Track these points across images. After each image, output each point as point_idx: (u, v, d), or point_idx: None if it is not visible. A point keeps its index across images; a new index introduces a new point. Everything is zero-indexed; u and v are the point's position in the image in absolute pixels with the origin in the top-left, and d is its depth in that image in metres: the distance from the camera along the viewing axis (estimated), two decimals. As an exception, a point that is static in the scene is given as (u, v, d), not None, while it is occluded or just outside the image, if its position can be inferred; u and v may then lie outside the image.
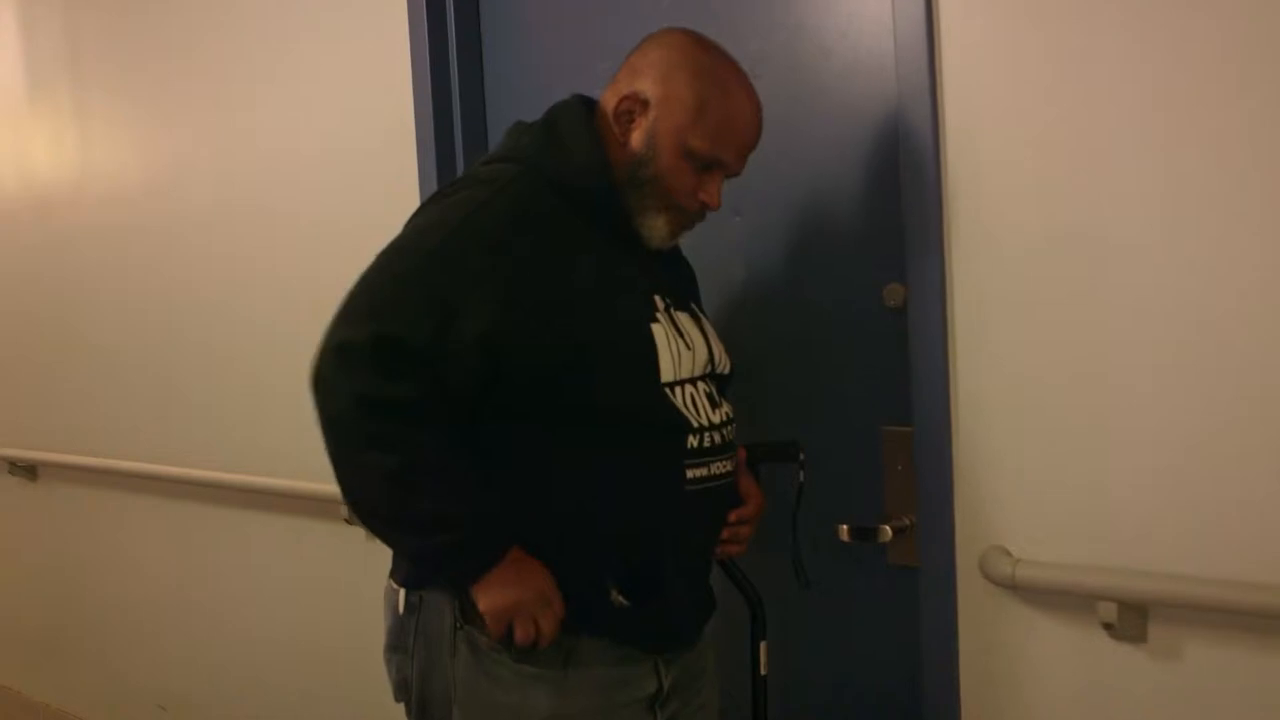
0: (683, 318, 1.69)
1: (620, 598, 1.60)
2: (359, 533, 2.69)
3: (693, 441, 1.62)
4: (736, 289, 2.12)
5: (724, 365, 1.74)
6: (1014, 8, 1.73)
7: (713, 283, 2.00)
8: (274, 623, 3.08)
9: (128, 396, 3.44)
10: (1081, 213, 1.68)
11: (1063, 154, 1.69)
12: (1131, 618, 1.66)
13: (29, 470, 3.87)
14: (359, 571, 2.69)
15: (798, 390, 2.07)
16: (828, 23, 1.98)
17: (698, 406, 1.64)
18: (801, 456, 1.84)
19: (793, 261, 2.06)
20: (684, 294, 1.76)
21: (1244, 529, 1.58)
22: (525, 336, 1.53)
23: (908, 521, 1.91)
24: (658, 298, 1.66)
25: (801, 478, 1.84)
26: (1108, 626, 1.67)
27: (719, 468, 1.67)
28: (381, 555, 1.71)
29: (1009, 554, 1.77)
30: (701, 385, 1.67)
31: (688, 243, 1.80)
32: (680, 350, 1.63)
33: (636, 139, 1.62)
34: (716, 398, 1.70)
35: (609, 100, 1.66)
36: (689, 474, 1.62)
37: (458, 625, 1.60)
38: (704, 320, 1.76)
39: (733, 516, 1.74)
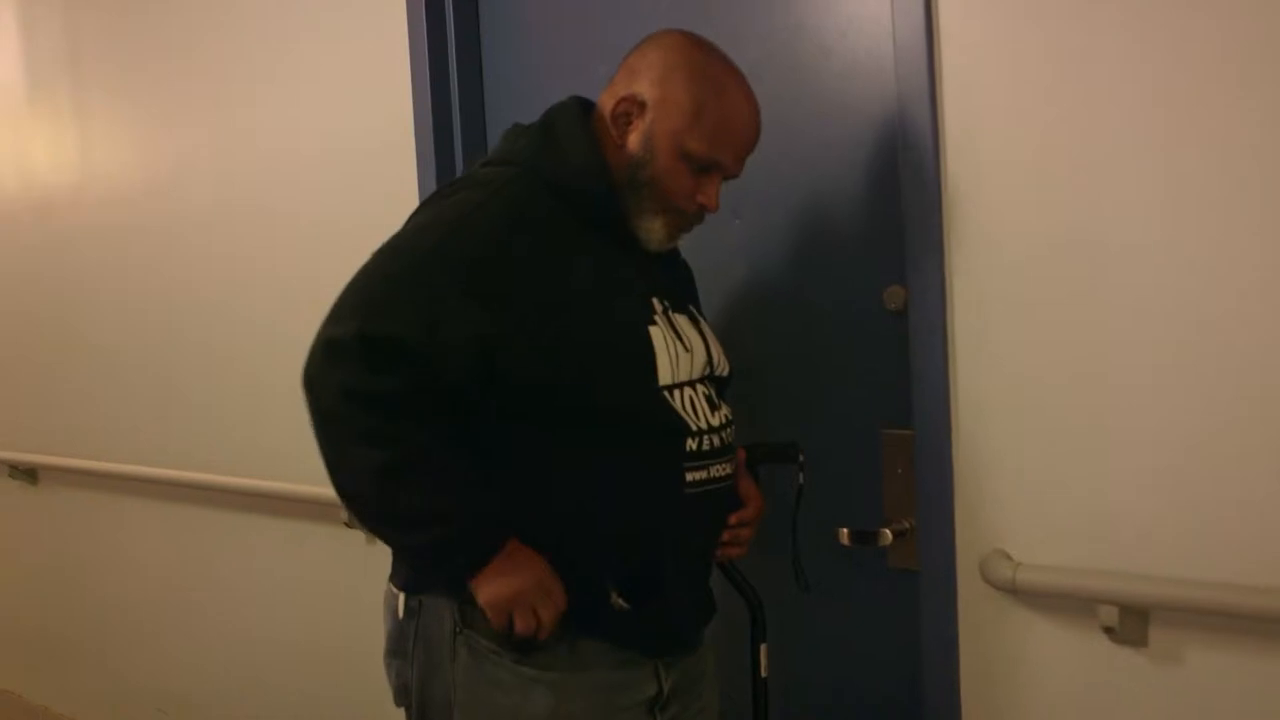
0: (681, 320, 1.68)
1: (620, 601, 1.60)
2: (359, 536, 2.69)
3: (691, 444, 1.61)
4: (737, 291, 2.11)
5: (723, 367, 1.74)
6: (1014, 8, 1.72)
7: (713, 285, 2.00)
8: (274, 626, 3.08)
9: (128, 399, 3.44)
10: (1082, 213, 1.67)
11: (1063, 154, 1.68)
12: (1133, 621, 1.66)
13: (29, 473, 3.87)
14: (359, 575, 2.69)
15: (798, 393, 2.06)
16: (827, 23, 1.97)
17: (696, 409, 1.63)
18: (801, 458, 1.83)
19: (793, 264, 2.05)
20: (682, 296, 1.76)
21: (1246, 531, 1.57)
22: (520, 339, 1.52)
23: (908, 525, 1.91)
24: (655, 300, 1.65)
25: (801, 479, 1.83)
26: (1109, 630, 1.66)
27: (718, 470, 1.66)
28: (381, 559, 1.71)
29: (1009, 557, 1.77)
30: (700, 388, 1.66)
31: (687, 245, 1.79)
32: (678, 353, 1.63)
33: (634, 141, 1.62)
34: (716, 400, 1.69)
35: (606, 102, 1.65)
36: (688, 477, 1.62)
37: (457, 630, 1.60)
38: (703, 322, 1.75)
39: (733, 519, 1.74)
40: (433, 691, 1.63)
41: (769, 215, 2.06)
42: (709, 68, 1.63)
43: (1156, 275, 1.61)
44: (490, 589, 1.53)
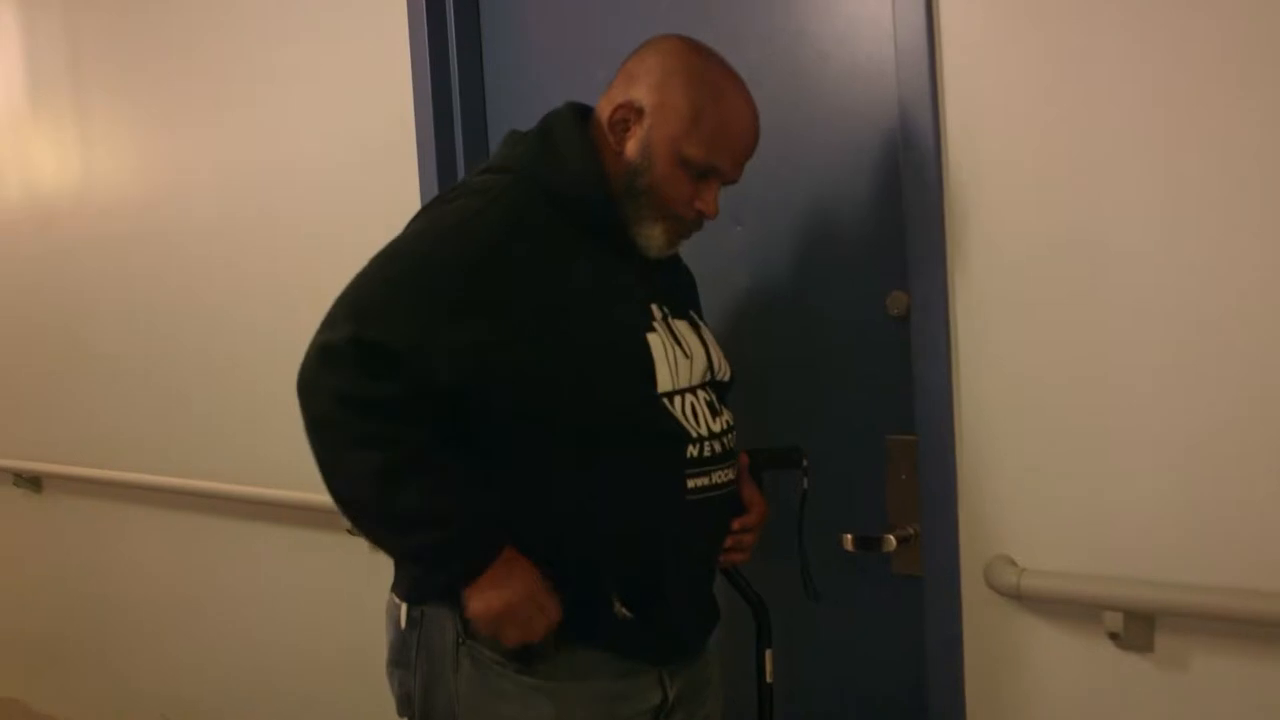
0: (681, 326, 1.67)
1: (623, 609, 1.59)
2: (362, 544, 2.66)
3: (692, 451, 1.61)
4: (739, 298, 2.10)
5: (724, 373, 1.73)
6: (1014, 8, 1.72)
7: (715, 292, 1.99)
8: (278, 633, 3.08)
9: (131, 407, 3.43)
10: (1082, 214, 1.67)
11: (1063, 156, 1.68)
12: (1138, 627, 1.65)
13: (34, 481, 3.87)
14: (362, 582, 2.68)
15: (801, 399, 2.06)
16: (828, 28, 1.97)
17: (697, 415, 1.62)
18: (805, 462, 1.82)
19: (795, 270, 2.05)
20: (682, 302, 1.75)
21: (1251, 534, 1.56)
22: (520, 345, 1.52)
23: (912, 530, 1.90)
24: (655, 307, 1.65)
25: (805, 484, 1.82)
26: (1114, 636, 1.65)
27: (720, 476, 1.66)
28: (385, 566, 1.70)
29: (1014, 563, 1.76)
30: (701, 394, 1.65)
31: (689, 251, 1.79)
32: (678, 359, 1.62)
33: (632, 148, 1.61)
34: (717, 406, 1.68)
35: (604, 109, 1.65)
36: (689, 483, 1.61)
37: (460, 640, 1.59)
38: (703, 328, 1.74)
39: (736, 524, 1.73)
40: (435, 702, 1.62)
41: (770, 221, 2.06)
42: (707, 73, 1.62)
43: (1157, 275, 1.61)
44: (481, 601, 1.52)
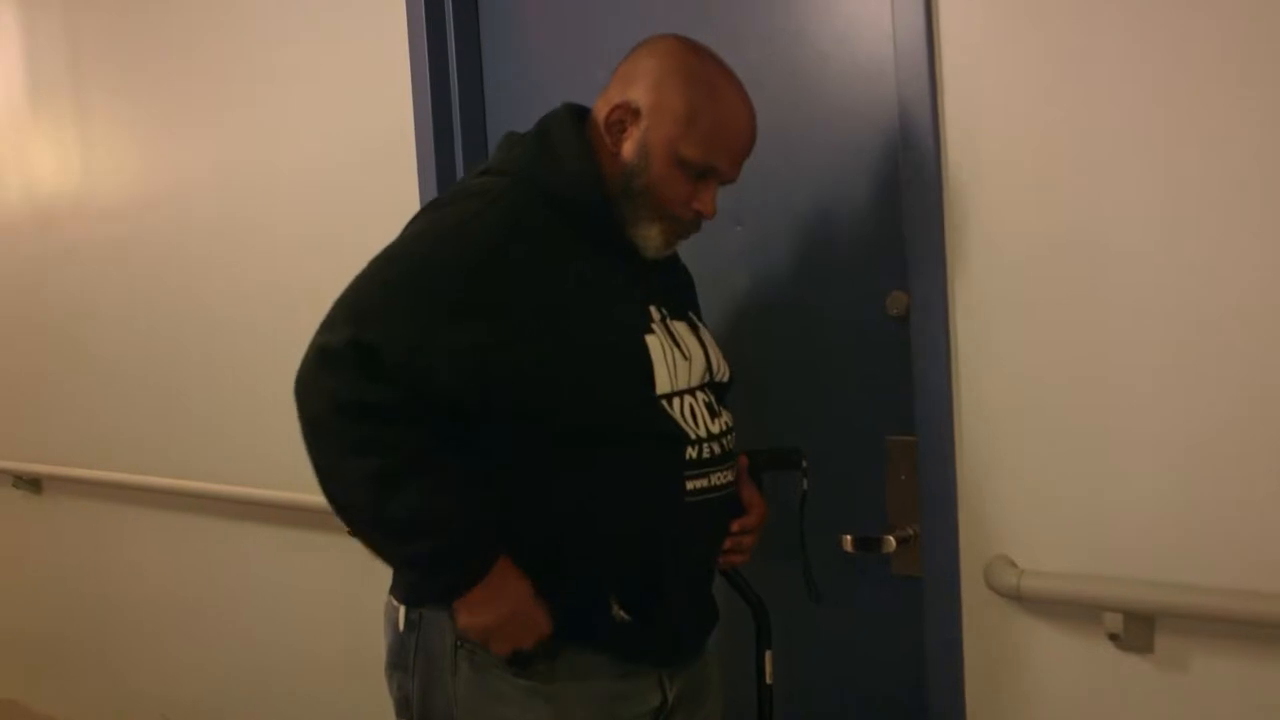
0: (679, 327, 1.67)
1: (622, 611, 1.59)
2: (361, 545, 2.68)
3: (691, 453, 1.60)
4: (738, 299, 2.10)
5: (723, 373, 1.73)
6: (1014, 8, 1.72)
7: (715, 292, 1.99)
8: (277, 633, 3.07)
9: (131, 409, 3.43)
10: (1082, 214, 1.66)
11: (1063, 156, 1.68)
12: (1138, 628, 1.64)
13: (33, 483, 3.87)
14: (361, 584, 2.66)
15: (801, 400, 2.05)
16: (828, 28, 1.97)
17: (696, 417, 1.62)
18: (804, 463, 1.82)
19: (794, 270, 2.04)
20: (681, 302, 1.74)
21: (1251, 534, 1.56)
22: (520, 346, 1.51)
23: (912, 531, 1.90)
24: (653, 308, 1.64)
25: (805, 485, 1.82)
26: (1114, 637, 1.65)
27: (719, 478, 1.65)
28: (383, 567, 1.69)
29: (1014, 564, 1.75)
30: (700, 395, 1.65)
31: (689, 252, 1.79)
32: (676, 360, 1.61)
33: (628, 149, 1.61)
34: (716, 407, 1.68)
35: (600, 110, 1.64)
36: (688, 485, 1.61)
37: (458, 643, 1.58)
38: (702, 328, 1.74)
39: (735, 526, 1.73)
40: (434, 705, 1.62)
41: (770, 221, 2.05)
42: (703, 72, 1.62)
43: (1157, 275, 1.61)
44: (469, 616, 1.52)
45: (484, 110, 2.54)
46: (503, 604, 1.52)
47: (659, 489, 1.59)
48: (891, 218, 1.88)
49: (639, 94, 1.60)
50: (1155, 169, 1.60)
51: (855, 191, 1.96)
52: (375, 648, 1.74)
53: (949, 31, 1.77)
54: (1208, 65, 1.55)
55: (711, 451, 1.63)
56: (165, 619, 3.46)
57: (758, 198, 2.00)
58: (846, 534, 1.91)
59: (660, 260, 1.69)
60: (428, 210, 1.66)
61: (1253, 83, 1.52)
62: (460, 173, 2.50)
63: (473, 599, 1.51)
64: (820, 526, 1.88)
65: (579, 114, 1.67)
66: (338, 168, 2.73)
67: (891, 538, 1.89)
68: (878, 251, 1.92)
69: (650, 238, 1.63)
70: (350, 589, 2.75)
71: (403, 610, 1.64)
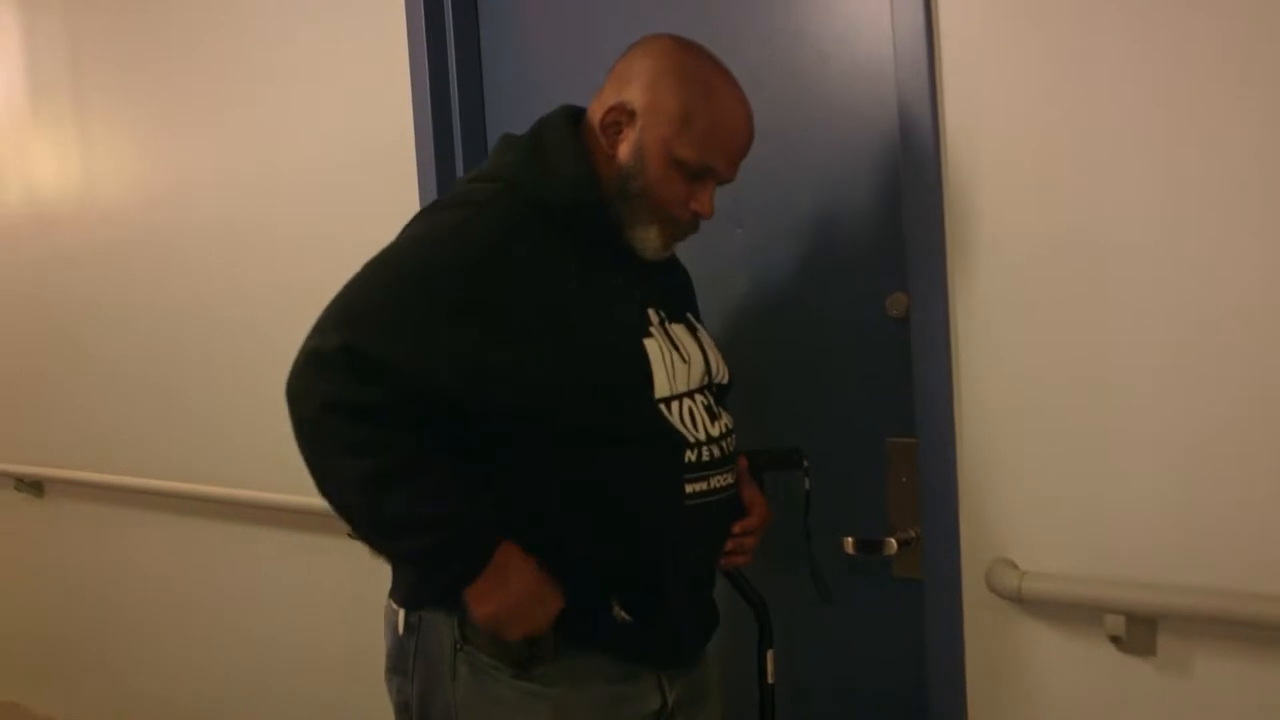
0: (678, 330, 1.66)
1: (623, 613, 1.59)
2: (361, 547, 2.61)
3: (690, 456, 1.60)
4: (739, 300, 2.10)
5: (722, 375, 1.72)
6: (1014, 8, 1.71)
7: (715, 294, 1.98)
8: (279, 636, 3.07)
9: (132, 411, 3.43)
10: (1082, 213, 1.66)
11: (1063, 156, 1.67)
12: (1140, 630, 1.64)
13: (35, 486, 3.86)
14: (363, 586, 2.67)
15: (801, 402, 2.05)
16: (827, 28, 1.96)
17: (695, 420, 1.61)
18: (806, 463, 1.81)
19: (795, 272, 2.04)
20: (679, 305, 1.74)
21: (1252, 535, 1.56)
22: (518, 347, 1.51)
23: (913, 533, 1.90)
24: (651, 311, 1.64)
25: (808, 484, 1.81)
26: (1115, 639, 1.65)
27: (719, 481, 1.64)
28: (383, 569, 1.70)
29: (1015, 566, 1.75)
30: (700, 398, 1.64)
31: (690, 254, 1.78)
32: (675, 363, 1.61)
33: (624, 151, 1.60)
34: (715, 409, 1.67)
35: (595, 112, 1.63)
36: (688, 489, 1.60)
37: (458, 646, 1.58)
38: (701, 330, 1.73)
39: (737, 527, 1.72)
40: (433, 708, 1.62)
41: (770, 223, 2.05)
42: (698, 72, 1.61)
43: (1157, 275, 1.60)
44: (480, 606, 1.51)
45: (484, 111, 2.54)
46: (513, 587, 1.51)
47: (658, 492, 1.59)
48: (892, 218, 1.88)
49: (634, 95, 1.59)
50: (1155, 169, 1.59)
51: (855, 192, 1.95)
52: (376, 650, 1.74)
53: (949, 31, 1.77)
54: (1208, 65, 1.54)
55: (711, 455, 1.62)
56: (166, 621, 3.46)
57: (758, 199, 2.00)
58: (848, 536, 1.91)
59: (659, 262, 1.68)
60: (424, 214, 1.65)
61: (1253, 83, 1.51)
62: (460, 173, 2.49)
63: (479, 589, 1.50)
64: (821, 529, 1.88)
65: (574, 116, 1.66)
66: (338, 168, 2.73)
67: (893, 540, 1.88)
68: (878, 252, 1.92)
69: (648, 239, 1.63)
70: (351, 591, 2.75)
71: (402, 613, 1.64)
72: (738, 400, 1.78)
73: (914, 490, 1.88)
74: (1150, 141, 1.59)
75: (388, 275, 1.54)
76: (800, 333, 2.04)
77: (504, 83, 2.49)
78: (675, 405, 1.59)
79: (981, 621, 1.81)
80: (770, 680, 1.86)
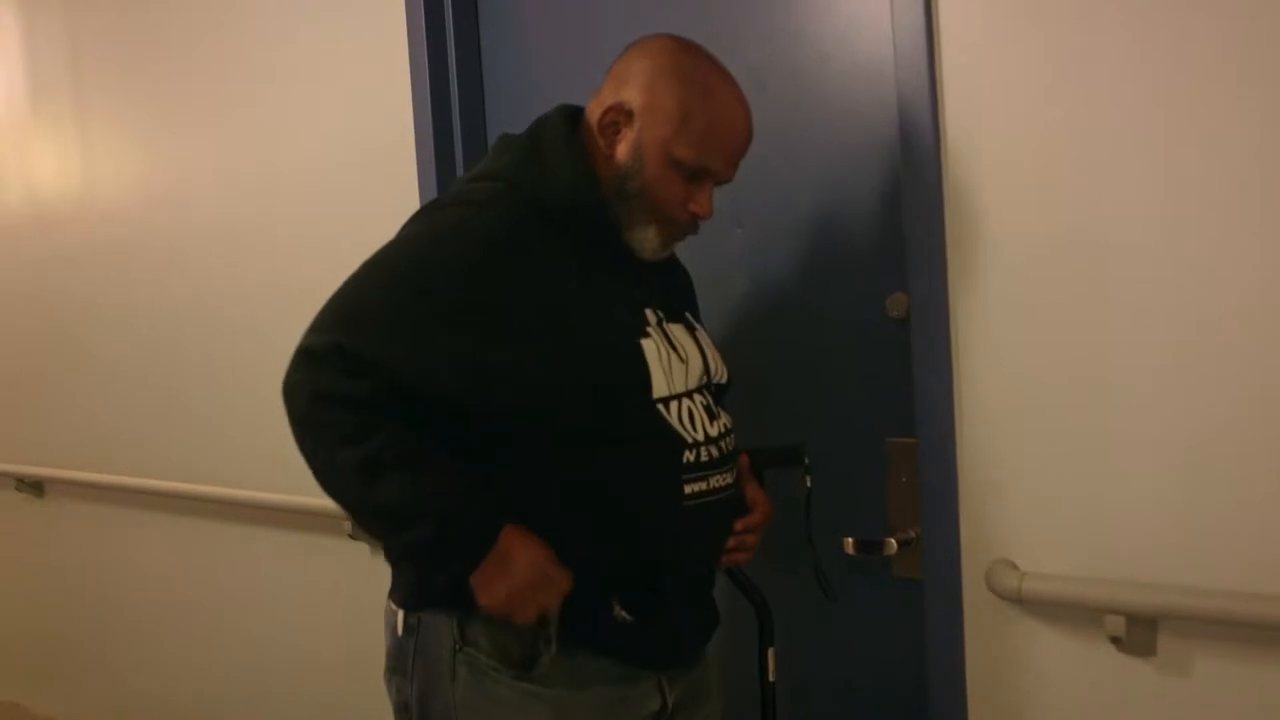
0: (676, 330, 1.66)
1: (623, 613, 1.58)
2: (363, 548, 2.69)
3: (689, 456, 1.59)
4: (739, 300, 2.10)
5: (721, 375, 1.72)
6: (1014, 8, 1.71)
7: (714, 295, 1.98)
8: (278, 637, 3.07)
9: (133, 411, 3.43)
10: (1082, 213, 1.66)
11: (1063, 156, 1.67)
12: (1140, 631, 1.64)
13: (35, 486, 3.86)
14: (363, 586, 2.68)
15: (801, 402, 2.05)
16: (827, 28, 1.96)
17: (694, 420, 1.61)
18: (807, 460, 1.81)
19: (795, 272, 2.04)
20: (678, 304, 1.73)
21: (1252, 535, 1.56)
22: (518, 346, 1.50)
23: (913, 534, 1.89)
24: (649, 311, 1.63)
25: (809, 482, 1.81)
26: (1115, 640, 1.65)
27: (718, 481, 1.64)
28: (384, 569, 1.69)
29: (1015, 567, 1.75)
30: (698, 398, 1.64)
31: (689, 254, 1.78)
32: (673, 363, 1.61)
33: (622, 151, 1.59)
34: (714, 409, 1.67)
35: (593, 111, 1.63)
36: (687, 489, 1.60)
37: (457, 647, 1.58)
38: (699, 330, 1.73)
39: (739, 525, 1.71)
40: (433, 709, 1.61)
41: (770, 223, 2.05)
42: (696, 71, 1.60)
43: (1157, 275, 1.60)
44: (487, 594, 1.50)
45: (484, 111, 2.54)
46: (519, 568, 1.50)
47: (657, 492, 1.59)
48: (892, 219, 1.88)
49: (632, 95, 1.59)
50: (1155, 169, 1.59)
51: (855, 192, 1.95)
52: (375, 650, 1.74)
53: (949, 31, 1.77)
54: (1208, 65, 1.54)
55: (710, 454, 1.62)
56: (166, 621, 3.46)
57: (758, 199, 2.00)
58: (848, 536, 1.90)
59: (658, 262, 1.68)
60: (422, 214, 1.65)
61: (1253, 83, 1.51)
62: (460, 173, 2.49)
63: (484, 574, 1.49)
64: (822, 529, 1.88)
65: (573, 116, 1.66)
66: (338, 168, 2.72)
67: (893, 540, 1.88)
68: (878, 252, 1.92)
69: (647, 240, 1.62)
70: (351, 591, 2.75)
71: (401, 615, 1.64)
72: (738, 400, 1.78)
73: (914, 490, 1.88)
74: (1150, 141, 1.59)
75: (384, 276, 1.54)
76: (800, 333, 2.04)
77: (504, 83, 2.49)
78: (674, 405, 1.59)
79: (981, 622, 1.80)
80: (771, 678, 1.86)
